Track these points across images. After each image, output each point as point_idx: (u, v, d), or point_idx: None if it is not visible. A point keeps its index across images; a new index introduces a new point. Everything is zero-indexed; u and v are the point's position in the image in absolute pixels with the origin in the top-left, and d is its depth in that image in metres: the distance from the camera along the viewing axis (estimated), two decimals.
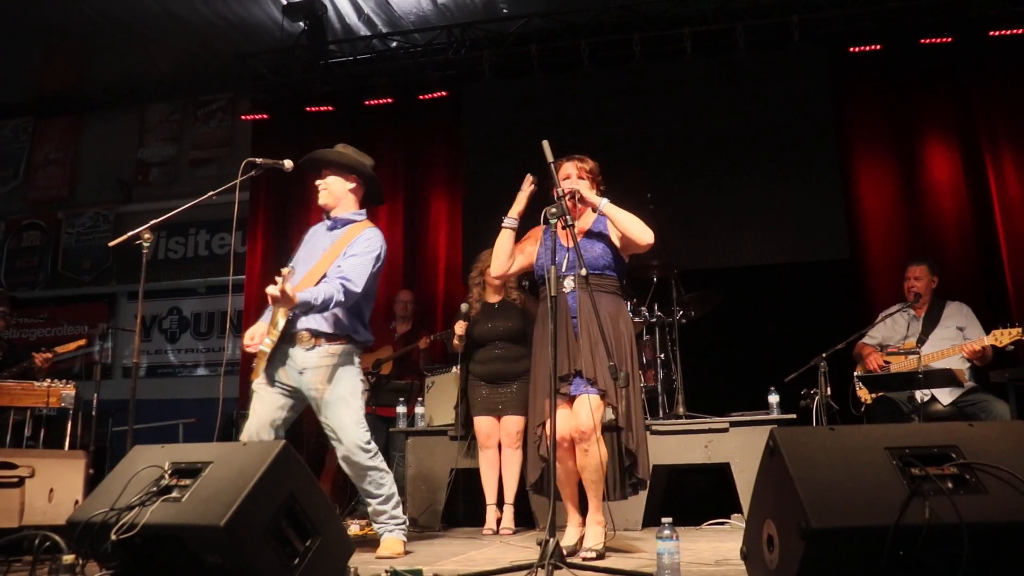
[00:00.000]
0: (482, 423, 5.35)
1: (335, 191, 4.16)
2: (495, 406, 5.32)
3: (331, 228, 4.16)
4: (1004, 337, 5.10)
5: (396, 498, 4.03)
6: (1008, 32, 7.09)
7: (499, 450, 5.34)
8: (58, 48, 8.87)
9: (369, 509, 4.03)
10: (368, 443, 3.90)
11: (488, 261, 5.53)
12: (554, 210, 3.47)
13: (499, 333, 5.40)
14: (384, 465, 3.99)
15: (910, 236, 7.18)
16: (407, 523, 4.19)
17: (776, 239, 7.37)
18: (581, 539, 3.84)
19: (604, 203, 3.85)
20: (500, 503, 5.31)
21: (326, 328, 3.93)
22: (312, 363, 3.90)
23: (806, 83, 7.60)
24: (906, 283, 5.70)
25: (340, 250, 4.00)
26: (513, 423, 5.27)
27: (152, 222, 4.04)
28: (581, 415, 3.71)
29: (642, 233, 3.79)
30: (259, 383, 3.97)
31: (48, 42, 8.69)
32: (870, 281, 7.19)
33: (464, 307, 5.43)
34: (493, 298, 5.55)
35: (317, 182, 4.19)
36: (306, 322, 3.91)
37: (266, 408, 3.95)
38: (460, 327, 5.38)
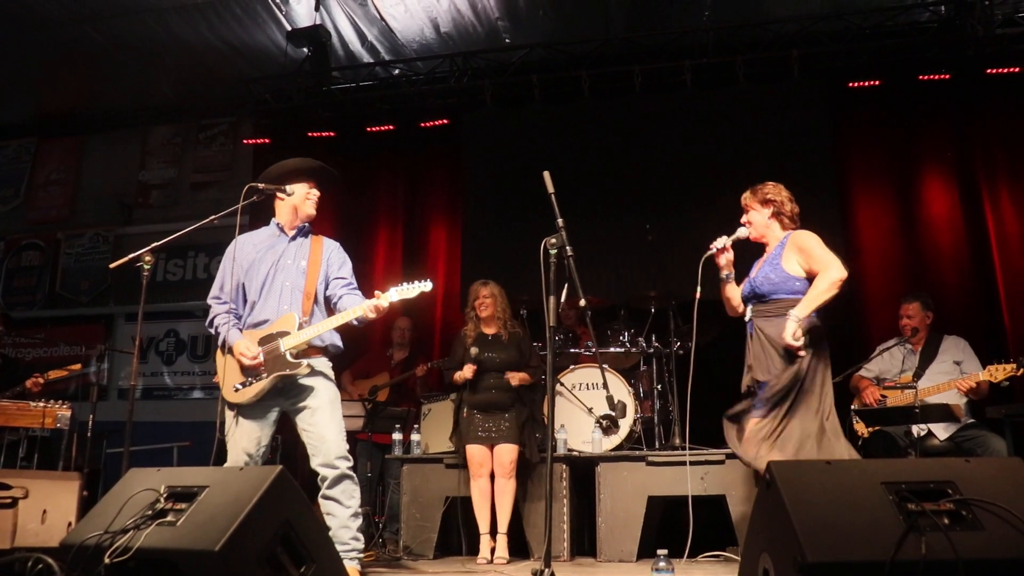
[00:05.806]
0: (474, 451, 5.33)
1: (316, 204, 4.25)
2: (488, 435, 5.31)
3: (294, 238, 4.16)
4: (999, 373, 5.10)
5: (361, 519, 3.91)
6: (1005, 70, 7.16)
7: (490, 479, 5.33)
8: (62, 69, 8.90)
9: (333, 523, 3.77)
10: (347, 451, 3.88)
11: (477, 293, 5.57)
12: (554, 241, 3.47)
13: (494, 364, 5.42)
14: (355, 477, 3.93)
15: (908, 270, 7.20)
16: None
17: None
18: None
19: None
20: (494, 532, 5.28)
21: (318, 342, 3.97)
22: (304, 373, 3.88)
23: (805, 117, 7.64)
24: (900, 320, 5.72)
25: (319, 259, 4.11)
26: (507, 452, 5.26)
27: (154, 244, 4.07)
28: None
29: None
30: (242, 405, 3.91)
31: (52, 63, 8.73)
32: (867, 314, 7.19)
33: (474, 351, 5.42)
34: (488, 329, 5.56)
35: (313, 191, 4.22)
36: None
37: (252, 431, 3.90)
38: (469, 370, 5.38)
